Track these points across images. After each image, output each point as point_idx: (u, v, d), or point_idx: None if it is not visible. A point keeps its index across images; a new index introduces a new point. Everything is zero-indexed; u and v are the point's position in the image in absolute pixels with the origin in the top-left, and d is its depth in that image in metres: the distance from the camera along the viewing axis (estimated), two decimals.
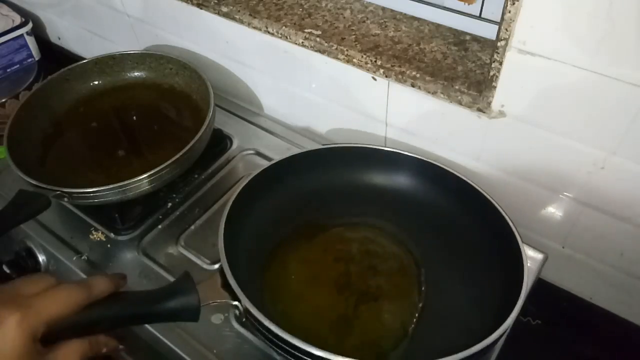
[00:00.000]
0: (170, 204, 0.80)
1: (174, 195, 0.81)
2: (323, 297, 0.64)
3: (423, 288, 0.65)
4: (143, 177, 0.71)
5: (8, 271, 0.77)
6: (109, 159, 0.84)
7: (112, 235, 0.76)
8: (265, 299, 0.63)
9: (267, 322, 0.51)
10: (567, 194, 0.67)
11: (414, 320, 0.62)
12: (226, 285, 0.55)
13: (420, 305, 0.63)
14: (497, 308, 0.58)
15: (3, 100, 1.12)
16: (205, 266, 0.71)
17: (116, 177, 0.72)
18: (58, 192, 0.70)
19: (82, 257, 0.74)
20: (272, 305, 0.62)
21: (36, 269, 0.78)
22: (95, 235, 0.76)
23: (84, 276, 0.72)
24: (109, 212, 0.77)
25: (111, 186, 0.70)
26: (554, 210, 0.70)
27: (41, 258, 0.77)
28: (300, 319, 0.61)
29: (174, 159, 0.72)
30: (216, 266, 0.71)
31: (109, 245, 0.75)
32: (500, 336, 0.53)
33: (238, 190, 0.66)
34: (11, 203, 0.68)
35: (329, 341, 0.59)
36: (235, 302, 0.55)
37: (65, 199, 0.71)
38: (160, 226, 0.77)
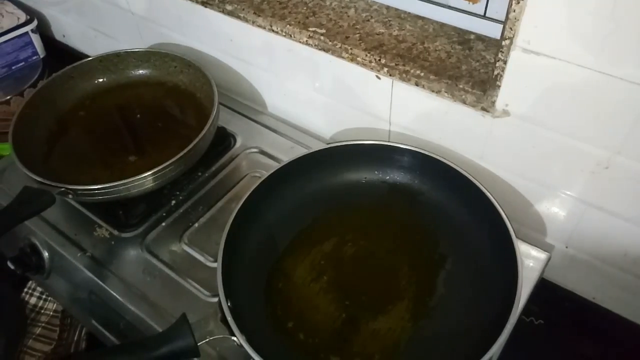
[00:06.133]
0: (174, 202, 0.80)
1: (178, 193, 0.81)
2: (328, 310, 0.64)
3: (424, 291, 0.65)
4: (147, 174, 0.72)
5: (12, 267, 0.78)
6: (113, 156, 0.84)
7: (116, 232, 0.76)
8: (273, 316, 0.63)
9: None
10: (571, 194, 0.67)
11: (413, 328, 0.61)
12: (225, 320, 0.55)
13: (421, 310, 0.63)
14: (496, 310, 0.58)
15: (8, 97, 1.13)
16: (208, 264, 0.71)
17: (120, 175, 0.72)
18: (63, 189, 0.70)
19: (86, 254, 0.74)
20: (280, 324, 0.62)
21: (40, 265, 0.78)
22: (99, 232, 0.76)
23: (88, 273, 0.72)
24: (113, 209, 0.77)
25: (115, 183, 0.70)
26: (557, 210, 0.70)
27: (45, 255, 0.78)
28: (308, 334, 0.62)
29: (178, 156, 0.73)
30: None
31: (113, 243, 0.75)
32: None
33: (235, 211, 0.65)
34: (16, 200, 0.69)
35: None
36: (234, 338, 0.54)
37: (70, 196, 0.72)
38: (164, 223, 0.77)
